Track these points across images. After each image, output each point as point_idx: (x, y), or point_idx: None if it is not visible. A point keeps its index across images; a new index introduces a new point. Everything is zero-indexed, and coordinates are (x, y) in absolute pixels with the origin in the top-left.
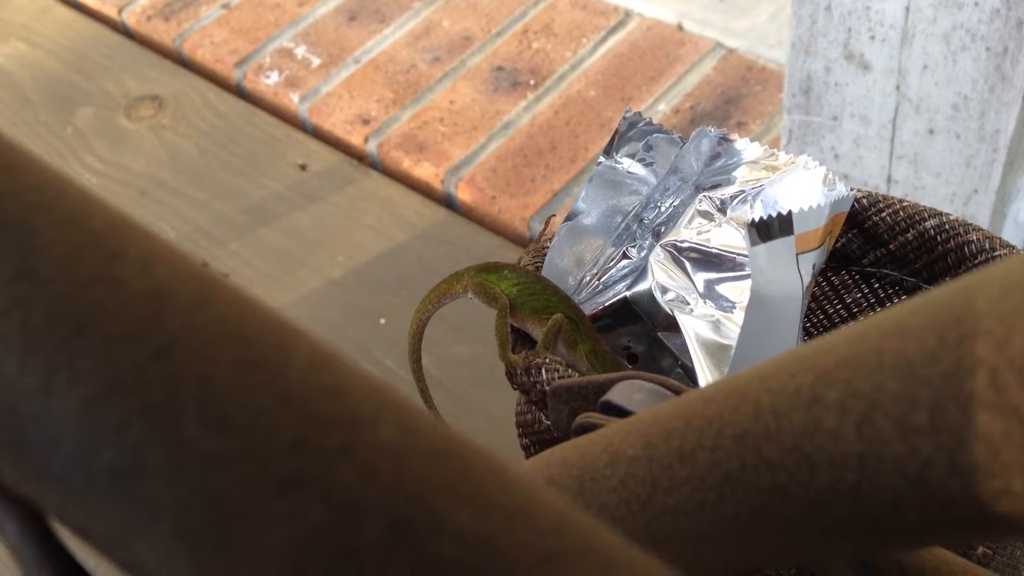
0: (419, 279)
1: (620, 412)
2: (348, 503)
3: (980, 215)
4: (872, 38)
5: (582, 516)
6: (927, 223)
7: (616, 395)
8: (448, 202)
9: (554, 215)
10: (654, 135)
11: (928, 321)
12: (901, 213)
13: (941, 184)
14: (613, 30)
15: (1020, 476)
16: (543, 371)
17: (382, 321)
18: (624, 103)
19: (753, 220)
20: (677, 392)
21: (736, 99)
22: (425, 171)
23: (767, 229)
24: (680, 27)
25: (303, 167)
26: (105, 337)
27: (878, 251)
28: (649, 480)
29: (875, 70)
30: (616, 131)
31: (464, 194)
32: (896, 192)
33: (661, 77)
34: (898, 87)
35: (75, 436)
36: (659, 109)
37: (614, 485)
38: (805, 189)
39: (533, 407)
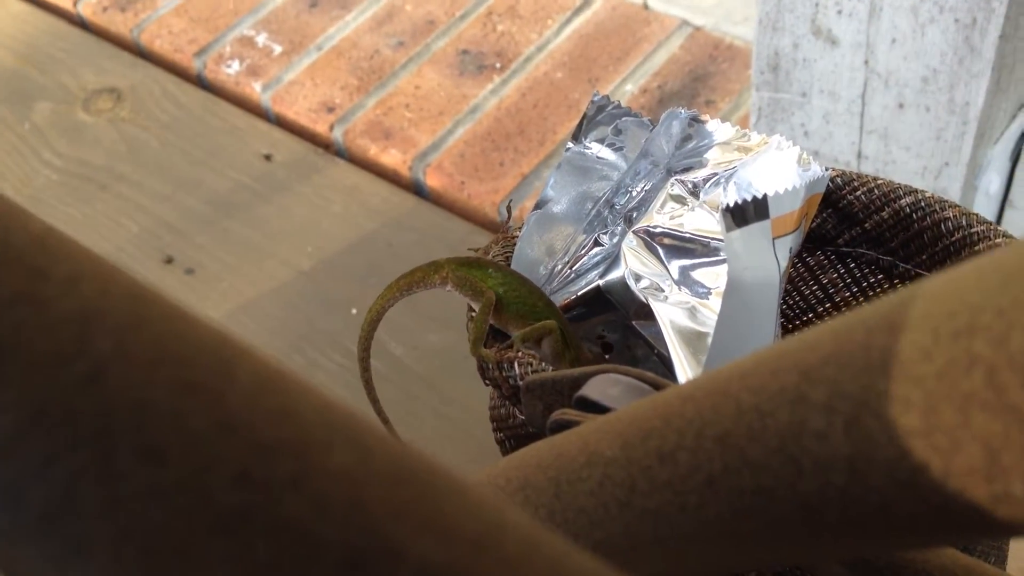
0: (389, 267)
1: (596, 408)
2: (299, 538)
3: (951, 188)
4: (840, 12)
5: (553, 539)
6: (902, 201)
7: (591, 390)
8: (416, 189)
9: (511, 201)
10: (623, 119)
11: (920, 315)
12: (876, 191)
13: (912, 158)
14: (578, 11)
15: (1021, 480)
16: (516, 365)
17: (354, 311)
18: (591, 84)
19: (728, 205)
20: (654, 385)
21: (704, 77)
22: (392, 158)
23: (742, 214)
24: (645, 6)
25: (268, 157)
26: (28, 363)
27: (853, 230)
28: (628, 482)
29: (843, 45)
30: (584, 115)
31: (432, 180)
32: (867, 167)
33: (628, 57)
34: (867, 62)
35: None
36: (626, 89)
37: (591, 488)
38: (779, 170)
39: (507, 402)
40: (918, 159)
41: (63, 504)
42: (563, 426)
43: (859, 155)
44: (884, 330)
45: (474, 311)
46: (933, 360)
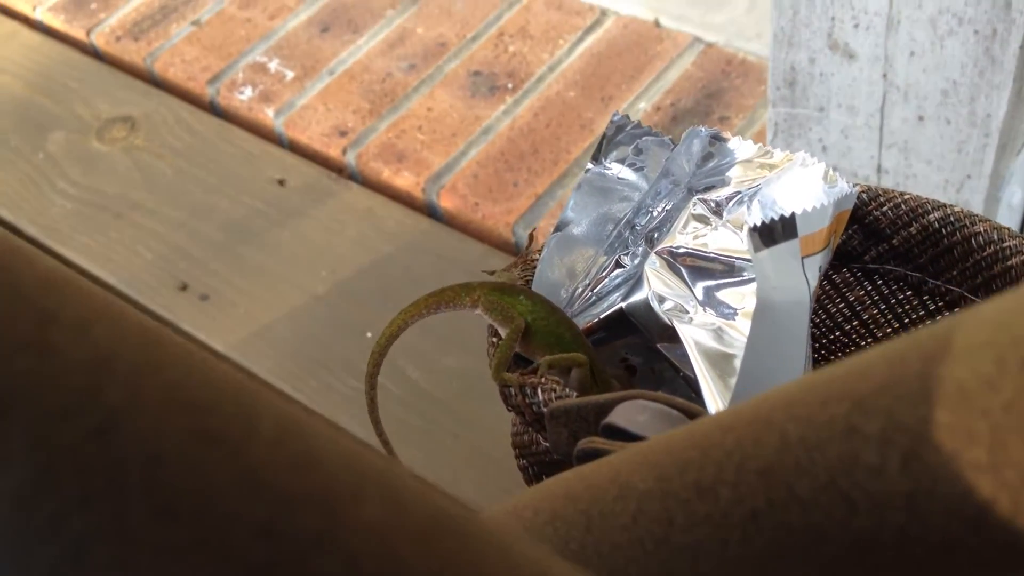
0: (405, 291)
1: (624, 435)
2: None
3: (974, 201)
4: (856, 26)
5: None
6: (930, 216)
7: (619, 417)
8: (431, 211)
9: (536, 227)
10: (644, 138)
11: (982, 343)
12: (903, 207)
13: (933, 171)
14: (590, 29)
15: None
16: (539, 392)
17: (368, 335)
18: (604, 103)
19: (755, 225)
20: (684, 411)
21: (717, 93)
22: (406, 180)
23: (769, 233)
24: (657, 23)
25: (281, 182)
26: (37, 416)
27: (880, 247)
28: (664, 516)
29: (861, 58)
30: (603, 136)
31: (446, 202)
32: (887, 181)
33: (640, 75)
34: (885, 75)
35: (6, 532)
36: (640, 107)
37: (625, 522)
38: (804, 187)
39: (529, 428)
40: (939, 172)
41: (73, 565)
42: (591, 455)
43: (879, 169)
44: (942, 358)
45: (498, 336)
46: (999, 391)
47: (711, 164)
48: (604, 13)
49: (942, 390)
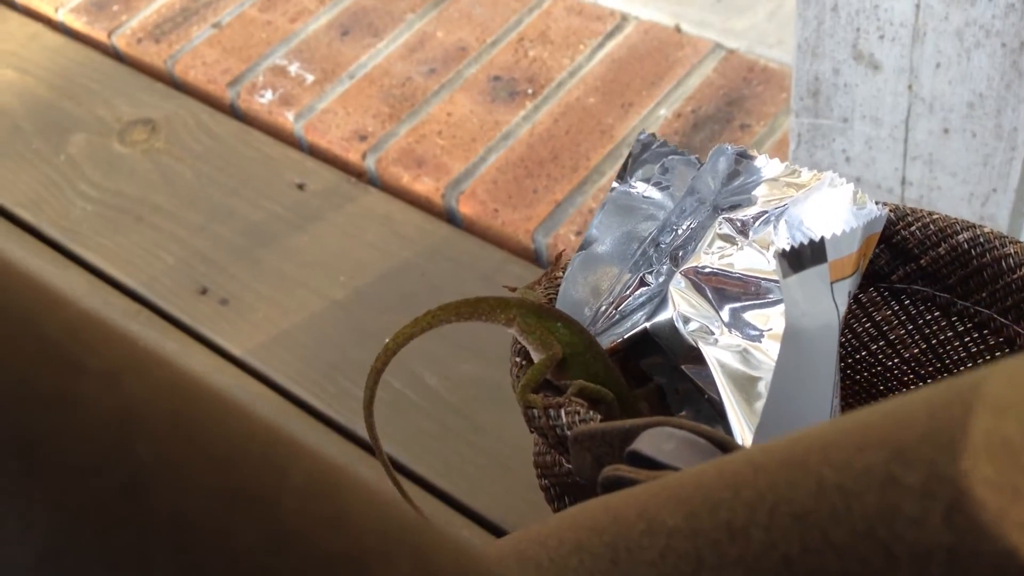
0: (423, 297)
1: (649, 463)
2: None
3: (999, 215)
4: (881, 37)
5: None
6: (959, 236)
7: (644, 444)
8: (450, 217)
9: (564, 250)
10: (670, 157)
11: None
12: (932, 227)
13: (958, 184)
14: (610, 35)
15: None
16: (563, 414)
17: (387, 341)
18: (624, 109)
19: (783, 250)
20: (711, 439)
21: (738, 100)
22: (425, 186)
23: (798, 258)
24: (678, 29)
25: (300, 186)
26: (63, 472)
27: (908, 266)
28: (694, 555)
29: (886, 70)
30: (630, 154)
31: (466, 208)
32: (911, 193)
33: (661, 81)
34: (910, 87)
35: None
36: (660, 114)
37: (652, 558)
38: (833, 208)
39: (552, 449)
40: (964, 185)
41: None
42: (616, 483)
43: (903, 181)
44: (988, 409)
45: (523, 355)
46: None
47: (737, 182)
48: (624, 18)
49: (987, 444)
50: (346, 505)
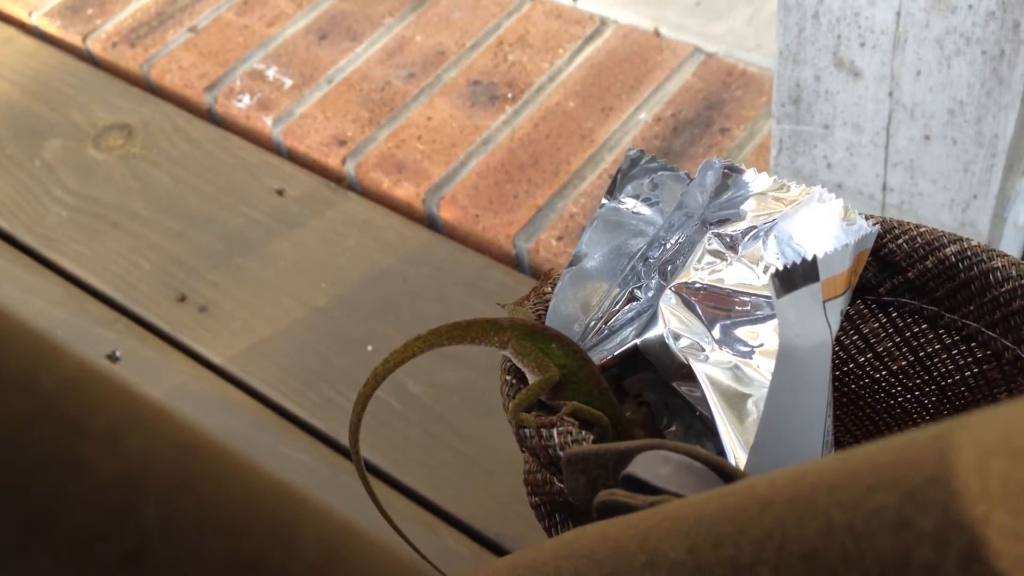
0: (405, 303)
1: (645, 487)
2: None
3: (979, 221)
4: (863, 45)
5: None
6: (947, 250)
7: (640, 468)
8: (430, 222)
9: (552, 269)
10: (659, 173)
11: None
12: (919, 240)
13: (939, 190)
14: (589, 39)
15: None
16: (555, 434)
17: (369, 348)
18: (604, 113)
19: (776, 269)
20: (707, 463)
21: (718, 104)
22: (405, 191)
23: (790, 278)
24: (657, 33)
25: (280, 192)
26: (65, 539)
27: (895, 279)
28: None
29: (867, 77)
30: (619, 170)
31: (446, 213)
32: (892, 199)
33: (641, 85)
34: (891, 93)
35: None
36: (640, 118)
37: None
38: (821, 224)
39: (544, 468)
40: (945, 191)
41: None
42: (612, 508)
43: (884, 187)
44: (1004, 453)
45: (514, 374)
46: None
47: (725, 196)
48: (604, 22)
49: (1004, 489)
50: (361, 572)
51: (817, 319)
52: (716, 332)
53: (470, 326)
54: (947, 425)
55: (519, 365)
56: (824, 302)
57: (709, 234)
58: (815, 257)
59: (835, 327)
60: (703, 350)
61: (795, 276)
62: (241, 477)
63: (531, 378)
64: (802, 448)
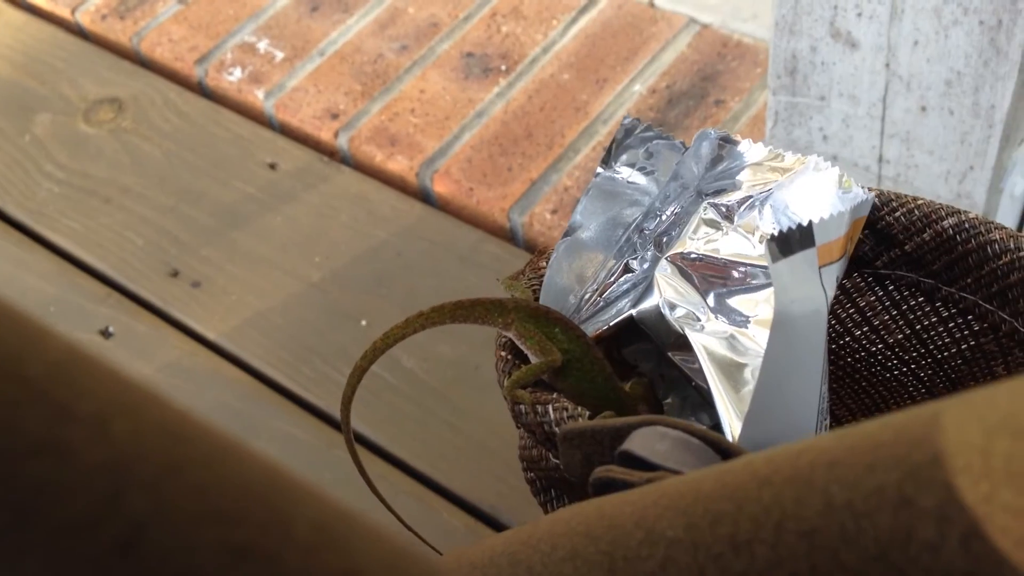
0: (399, 277)
1: (642, 464)
2: None
3: (976, 192)
4: (859, 15)
5: None
6: (945, 222)
7: (636, 444)
8: (424, 196)
9: (547, 246)
10: (655, 142)
11: None
12: (916, 212)
13: (935, 162)
14: (583, 10)
15: None
16: (551, 410)
17: (363, 323)
18: (599, 85)
19: (772, 235)
20: (704, 439)
21: (713, 76)
22: (399, 165)
23: (786, 243)
24: (652, 4)
25: (272, 166)
26: (54, 527)
27: (892, 252)
28: (695, 569)
29: (863, 48)
30: (614, 139)
31: (440, 187)
32: (888, 171)
33: (635, 56)
34: (888, 64)
35: None
36: (635, 90)
37: (652, 569)
38: (818, 193)
39: (539, 445)
40: (941, 163)
41: None
42: (608, 485)
43: (880, 159)
44: (1007, 431)
45: (511, 351)
46: None
47: (720, 167)
48: None
49: (1007, 468)
50: (353, 556)
51: (813, 285)
52: (711, 302)
53: (474, 306)
54: (948, 403)
55: (522, 347)
56: (820, 268)
57: (705, 204)
58: (811, 222)
59: (831, 294)
60: (699, 320)
61: (791, 241)
62: (233, 461)
63: (533, 359)
64: (798, 415)
